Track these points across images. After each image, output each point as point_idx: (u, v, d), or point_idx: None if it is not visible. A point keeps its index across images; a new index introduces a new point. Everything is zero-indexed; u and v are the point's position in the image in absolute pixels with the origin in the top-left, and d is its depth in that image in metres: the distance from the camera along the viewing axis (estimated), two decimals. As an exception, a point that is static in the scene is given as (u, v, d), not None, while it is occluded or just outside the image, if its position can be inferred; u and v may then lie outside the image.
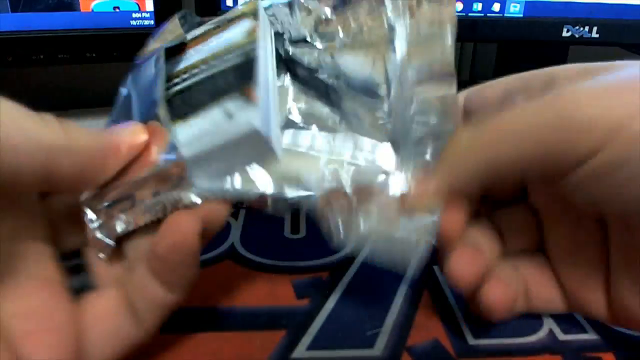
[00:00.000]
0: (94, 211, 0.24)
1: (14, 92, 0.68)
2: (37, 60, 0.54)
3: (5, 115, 0.20)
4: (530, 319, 0.30)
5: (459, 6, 0.58)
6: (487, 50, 0.71)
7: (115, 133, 0.24)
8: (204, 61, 0.26)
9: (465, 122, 0.27)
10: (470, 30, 0.59)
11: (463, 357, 0.28)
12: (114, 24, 0.55)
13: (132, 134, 0.24)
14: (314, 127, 0.26)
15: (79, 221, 0.24)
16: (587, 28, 0.57)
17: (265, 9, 0.28)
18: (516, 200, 0.29)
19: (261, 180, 0.24)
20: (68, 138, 0.21)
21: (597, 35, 0.58)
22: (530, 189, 0.29)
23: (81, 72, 0.66)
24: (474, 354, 0.28)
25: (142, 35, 0.59)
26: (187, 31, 0.29)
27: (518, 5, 0.57)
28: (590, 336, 0.29)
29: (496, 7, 0.58)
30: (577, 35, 0.58)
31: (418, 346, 0.29)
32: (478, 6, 0.58)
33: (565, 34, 0.58)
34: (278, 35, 0.28)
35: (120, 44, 0.56)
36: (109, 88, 0.68)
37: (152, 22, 0.56)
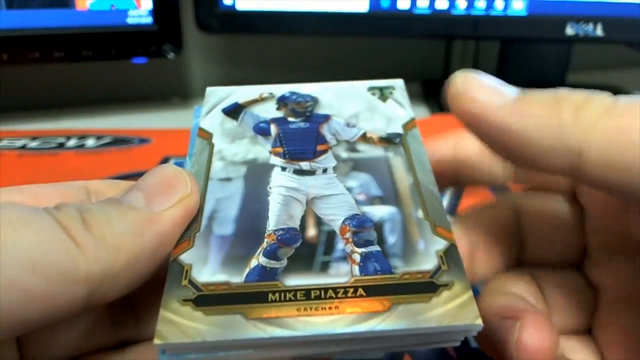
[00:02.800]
0: None
1: (9, 91, 0.68)
2: (32, 58, 0.54)
3: (27, 248, 0.15)
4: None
5: (462, 4, 0.57)
6: (489, 49, 0.71)
7: (159, 202, 0.18)
8: None
9: None
10: (472, 29, 0.58)
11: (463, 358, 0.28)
12: (110, 21, 0.55)
13: (182, 196, 0.18)
14: None
15: (55, 331, 0.20)
16: (591, 25, 0.57)
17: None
18: (564, 265, 0.24)
19: None
20: (108, 256, 0.16)
21: (601, 33, 0.57)
22: (590, 254, 0.23)
23: (77, 71, 0.66)
24: (475, 357, 0.28)
25: (138, 34, 0.58)
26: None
27: (521, 3, 0.57)
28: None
29: (499, 4, 0.57)
30: (581, 33, 0.57)
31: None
32: (481, 4, 0.57)
33: (569, 31, 0.57)
34: None
35: (117, 42, 0.55)
36: (105, 87, 0.68)
37: (149, 20, 0.56)
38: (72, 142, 0.53)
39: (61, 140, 0.54)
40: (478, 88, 0.18)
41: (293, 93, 0.25)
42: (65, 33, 0.54)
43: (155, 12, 0.56)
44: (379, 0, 0.57)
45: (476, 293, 0.29)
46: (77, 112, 0.64)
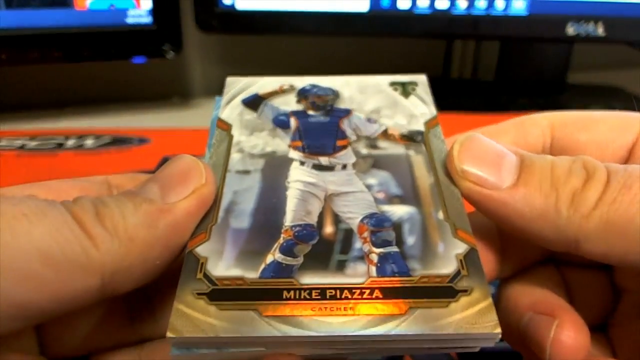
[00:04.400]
0: None
1: (8, 91, 0.67)
2: (31, 58, 0.53)
3: (41, 239, 0.15)
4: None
5: (462, 4, 0.57)
6: (489, 49, 0.70)
7: (173, 193, 0.18)
8: None
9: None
10: (472, 28, 0.58)
11: (465, 359, 0.27)
12: (109, 21, 0.55)
13: (196, 187, 0.18)
14: None
15: (73, 323, 0.20)
16: (592, 25, 0.56)
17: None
18: (592, 264, 0.24)
19: None
20: (120, 248, 0.16)
21: (602, 33, 0.57)
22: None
23: (76, 70, 0.66)
24: (475, 357, 0.28)
25: (138, 33, 0.58)
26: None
27: (522, 3, 0.56)
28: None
29: (500, 4, 0.57)
30: (582, 33, 0.57)
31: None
32: (481, 3, 0.57)
33: (570, 31, 0.57)
34: None
35: (116, 42, 0.55)
36: (104, 86, 0.68)
37: (148, 19, 0.56)
38: (71, 142, 0.53)
39: (60, 140, 0.54)
40: (474, 166, 0.19)
41: (314, 86, 0.25)
42: (65, 32, 0.53)
43: (155, 11, 0.55)
44: (379, 0, 0.57)
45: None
46: (76, 111, 0.64)
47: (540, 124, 0.22)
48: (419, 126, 0.23)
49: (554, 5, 0.56)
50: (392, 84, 0.25)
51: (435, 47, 0.75)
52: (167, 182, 0.18)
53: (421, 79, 0.25)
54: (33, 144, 0.53)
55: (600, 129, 0.22)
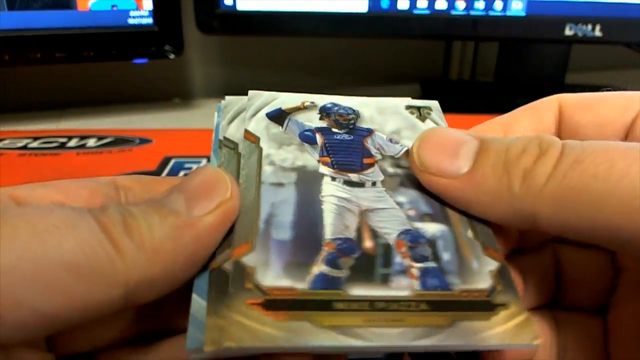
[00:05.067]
0: None
1: (11, 92, 0.68)
2: (34, 59, 0.54)
3: (70, 251, 0.15)
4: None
5: (461, 5, 0.57)
6: (488, 50, 0.71)
7: (199, 207, 0.18)
8: None
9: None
10: (471, 29, 0.58)
11: (464, 358, 0.28)
12: (111, 22, 0.55)
13: (221, 200, 0.18)
14: None
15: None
16: (590, 26, 0.57)
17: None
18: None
19: None
20: (146, 261, 0.16)
21: (600, 34, 0.57)
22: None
23: (78, 71, 0.66)
24: (475, 357, 0.28)
25: (139, 34, 0.59)
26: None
27: (520, 4, 0.57)
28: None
29: (498, 5, 0.57)
30: (580, 34, 0.57)
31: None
32: (480, 4, 0.57)
33: (567, 32, 0.57)
34: None
35: (118, 43, 0.56)
36: (106, 87, 0.68)
37: (150, 20, 0.56)
38: (73, 142, 0.54)
39: (62, 140, 0.54)
40: (432, 161, 0.19)
41: (335, 104, 0.25)
42: (67, 34, 0.54)
43: (156, 12, 0.56)
44: (379, 1, 0.57)
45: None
46: (78, 112, 0.64)
47: (551, 107, 0.23)
48: None
49: (552, 6, 0.57)
50: (408, 107, 0.26)
51: (435, 48, 0.75)
52: (193, 194, 0.18)
53: (434, 104, 0.26)
54: (35, 144, 0.53)
55: (600, 109, 0.22)
